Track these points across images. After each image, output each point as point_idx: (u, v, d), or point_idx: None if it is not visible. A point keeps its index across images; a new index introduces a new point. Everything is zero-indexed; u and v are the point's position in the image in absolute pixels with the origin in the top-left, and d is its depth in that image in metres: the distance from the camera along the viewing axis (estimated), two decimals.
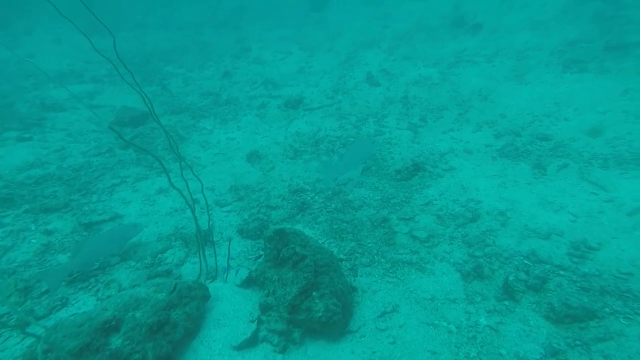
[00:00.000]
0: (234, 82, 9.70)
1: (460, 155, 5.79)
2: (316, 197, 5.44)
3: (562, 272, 3.42)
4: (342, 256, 4.00)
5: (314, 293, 2.93)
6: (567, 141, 5.57)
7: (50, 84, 8.83)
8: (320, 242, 4.23)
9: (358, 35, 12.39)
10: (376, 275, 3.66)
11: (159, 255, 4.22)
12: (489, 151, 5.78)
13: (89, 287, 3.63)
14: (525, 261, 3.61)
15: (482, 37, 10.35)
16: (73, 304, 3.42)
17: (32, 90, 8.41)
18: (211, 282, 3.68)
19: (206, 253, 4.03)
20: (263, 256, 3.71)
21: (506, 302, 3.23)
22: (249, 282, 3.60)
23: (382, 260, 3.88)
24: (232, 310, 3.25)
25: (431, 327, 3.02)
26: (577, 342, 2.73)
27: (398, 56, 10.37)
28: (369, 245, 4.13)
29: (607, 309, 2.96)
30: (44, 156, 6.01)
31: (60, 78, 9.14)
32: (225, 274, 3.75)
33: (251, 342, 2.95)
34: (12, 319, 3.23)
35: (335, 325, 2.88)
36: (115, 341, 2.48)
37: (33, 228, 4.40)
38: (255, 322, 3.11)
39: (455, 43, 10.43)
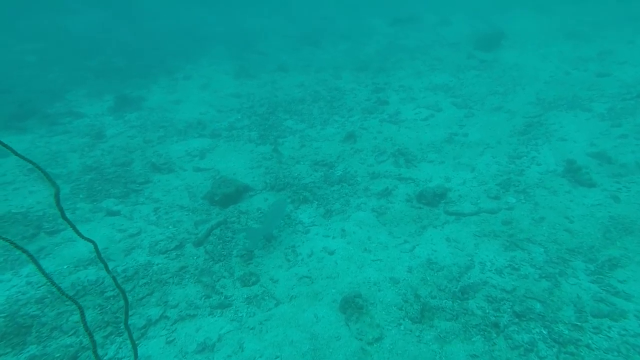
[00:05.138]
0: (356, 150, 7.60)
1: None
2: None
3: None
4: None
5: None
6: None
7: (174, 137, 8.62)
8: None
9: (548, 87, 8.60)
10: None
11: None
12: None
13: None
14: None
15: None
16: None
17: (156, 144, 8.29)
18: None
19: None
20: None
21: None
22: None
23: None
24: None
25: None
26: None
27: (632, 129, 6.29)
28: None
29: None
30: (114, 244, 5.08)
31: (186, 130, 8.93)
32: None
33: None
34: None
35: None
36: None
37: None
38: None
39: None
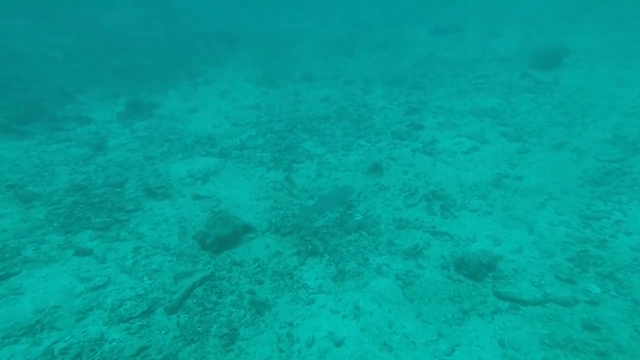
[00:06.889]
0: (381, 187, 6.33)
1: None
2: None
3: None
4: None
5: None
6: None
7: (179, 154, 7.72)
8: None
9: (630, 121, 6.96)
10: None
11: None
12: None
13: None
14: None
15: None
16: None
17: (158, 161, 7.41)
18: None
19: None
20: None
21: None
22: None
23: None
24: None
25: None
26: None
27: None
28: None
29: None
30: (70, 301, 4.12)
31: (193, 146, 8.01)
32: None
33: None
34: None
35: None
36: None
37: None
38: None
39: None
